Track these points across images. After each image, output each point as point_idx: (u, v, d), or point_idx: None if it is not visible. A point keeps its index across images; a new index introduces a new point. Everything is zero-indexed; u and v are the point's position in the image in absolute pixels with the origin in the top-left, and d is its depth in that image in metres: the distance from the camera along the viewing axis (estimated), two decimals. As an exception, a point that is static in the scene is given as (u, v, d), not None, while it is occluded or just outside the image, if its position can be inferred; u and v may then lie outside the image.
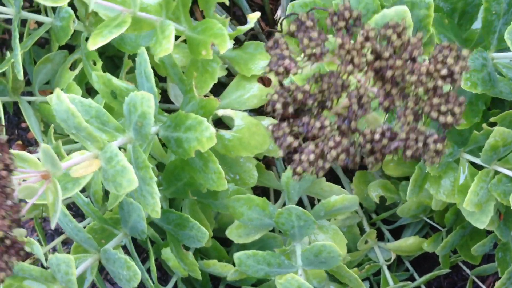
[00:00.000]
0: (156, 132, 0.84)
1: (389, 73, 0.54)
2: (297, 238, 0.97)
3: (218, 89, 1.02)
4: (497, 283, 1.07)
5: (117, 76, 1.05)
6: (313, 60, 0.56)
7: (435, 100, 0.55)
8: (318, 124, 0.55)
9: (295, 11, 0.84)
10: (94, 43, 0.80)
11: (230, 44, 0.80)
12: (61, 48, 1.08)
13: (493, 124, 0.91)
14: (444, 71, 0.54)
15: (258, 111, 1.11)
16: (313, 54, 0.56)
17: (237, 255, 0.90)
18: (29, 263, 0.93)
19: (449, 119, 0.56)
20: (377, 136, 0.56)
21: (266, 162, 1.37)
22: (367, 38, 0.54)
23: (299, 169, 0.56)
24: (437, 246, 1.17)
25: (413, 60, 0.55)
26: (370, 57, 0.55)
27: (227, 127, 0.97)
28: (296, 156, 0.56)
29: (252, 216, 0.97)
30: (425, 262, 1.40)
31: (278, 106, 0.56)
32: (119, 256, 0.79)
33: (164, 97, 1.18)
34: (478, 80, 0.82)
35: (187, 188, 0.94)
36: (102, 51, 1.21)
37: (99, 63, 0.96)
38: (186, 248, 1.05)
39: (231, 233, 1.03)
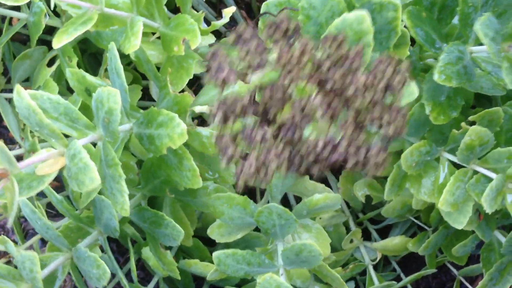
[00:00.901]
0: (130, 129, 0.83)
1: (329, 85, 0.54)
2: (278, 237, 0.96)
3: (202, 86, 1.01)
4: (479, 284, 1.06)
5: (98, 73, 1.05)
6: (252, 71, 0.55)
7: (376, 112, 0.55)
8: (259, 136, 0.55)
9: (269, 10, 0.83)
10: (59, 41, 0.79)
11: (201, 39, 0.79)
12: (41, 44, 1.08)
13: (473, 123, 0.89)
14: (382, 84, 0.54)
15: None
16: (250, 66, 0.55)
17: (216, 254, 0.89)
18: (3, 262, 0.92)
19: (391, 130, 0.55)
20: (319, 147, 0.55)
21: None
22: (304, 51, 0.54)
23: (241, 182, 0.56)
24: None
25: (355, 71, 0.54)
26: (309, 69, 0.54)
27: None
28: (238, 168, 0.56)
29: (233, 215, 0.96)
30: (413, 262, 1.39)
31: (218, 117, 0.55)
32: (89, 254, 0.78)
33: (149, 95, 1.18)
34: (453, 74, 0.80)
35: (164, 186, 0.93)
36: (85, 48, 1.21)
37: (75, 59, 0.95)
38: (166, 248, 1.04)
39: (213, 232, 1.02)
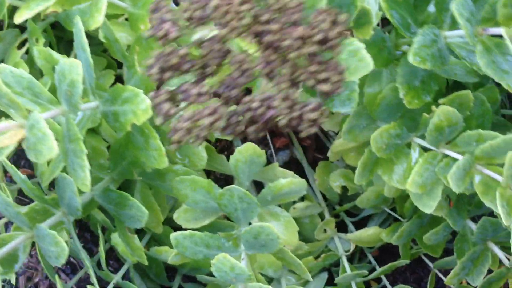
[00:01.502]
0: (97, 107, 0.82)
1: (267, 38, 0.53)
2: (241, 222, 0.94)
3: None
4: (451, 273, 1.05)
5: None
6: (195, 23, 0.54)
7: (313, 67, 0.54)
8: (195, 91, 0.54)
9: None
10: (20, 16, 0.78)
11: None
12: (14, 27, 1.07)
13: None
14: (318, 37, 0.53)
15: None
16: (191, 18, 0.54)
17: (173, 235, 0.88)
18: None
19: (327, 87, 0.54)
20: (255, 105, 0.54)
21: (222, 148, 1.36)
22: (245, 1, 0.53)
23: (175, 137, 0.54)
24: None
25: (294, 24, 0.53)
26: (248, 20, 0.53)
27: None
28: (172, 124, 0.54)
29: (197, 198, 0.95)
30: (391, 256, 1.38)
31: (154, 70, 0.54)
32: (49, 232, 0.77)
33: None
34: (427, 56, 0.80)
35: (131, 167, 0.92)
36: (61, 36, 1.20)
37: (41, 41, 0.94)
38: (135, 232, 1.03)
39: (179, 217, 1.01)
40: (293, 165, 1.41)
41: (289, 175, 1.09)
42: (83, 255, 0.87)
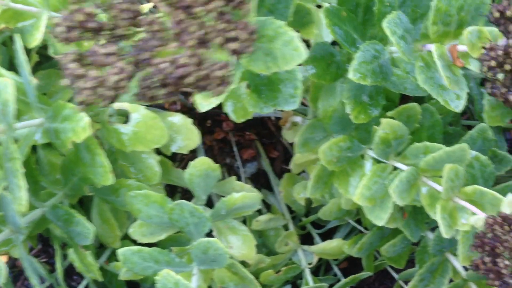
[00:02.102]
0: (41, 124, 0.82)
1: None
2: (195, 236, 0.94)
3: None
4: (409, 285, 1.05)
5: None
6: None
7: (221, 25, 0.53)
8: (103, 51, 0.53)
9: None
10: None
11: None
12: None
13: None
14: None
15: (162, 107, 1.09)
16: None
17: (121, 251, 0.87)
18: None
19: (236, 45, 0.53)
20: (164, 65, 0.53)
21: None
22: None
23: (80, 98, 0.53)
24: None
25: None
26: None
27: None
28: (78, 84, 0.53)
29: (151, 213, 0.95)
30: (358, 269, 1.37)
31: (61, 29, 0.53)
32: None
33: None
34: (367, 72, 0.80)
35: (82, 183, 0.92)
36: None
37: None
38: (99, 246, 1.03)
39: (134, 232, 1.00)
40: (261, 177, 1.41)
41: (247, 188, 1.08)
42: (29, 272, 0.86)
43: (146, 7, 0.60)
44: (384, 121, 0.82)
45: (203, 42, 0.55)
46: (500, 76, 0.59)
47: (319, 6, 0.95)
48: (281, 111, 1.19)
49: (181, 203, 0.89)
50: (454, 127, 1.07)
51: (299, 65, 0.86)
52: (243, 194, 0.96)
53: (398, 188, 0.79)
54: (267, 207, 1.36)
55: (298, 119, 1.14)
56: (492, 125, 0.92)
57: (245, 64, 0.71)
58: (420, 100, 1.04)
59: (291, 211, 1.33)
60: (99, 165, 0.83)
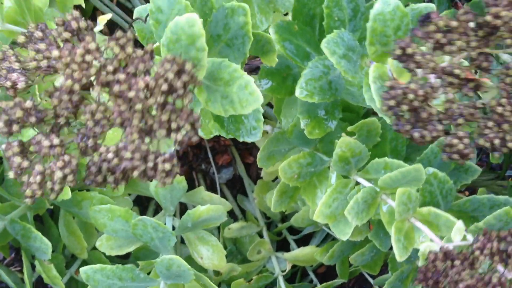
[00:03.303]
0: None
1: (116, 88, 0.52)
2: (161, 251, 0.94)
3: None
4: (379, 295, 1.04)
5: None
6: (44, 73, 0.54)
7: (164, 117, 0.53)
8: (47, 143, 0.53)
9: (140, 15, 0.81)
10: None
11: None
12: None
13: (353, 134, 0.88)
14: (164, 87, 0.52)
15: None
16: (39, 67, 0.53)
17: (83, 270, 0.87)
18: None
19: (180, 136, 0.53)
20: (110, 156, 0.53)
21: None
22: (88, 51, 0.52)
23: (28, 192, 0.53)
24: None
25: (145, 73, 0.53)
26: (94, 71, 0.52)
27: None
28: (24, 178, 0.54)
29: (116, 227, 0.94)
30: (336, 275, 1.37)
31: (1, 124, 0.53)
32: None
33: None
34: (315, 89, 0.79)
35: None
36: None
37: None
38: (58, 258, 1.03)
39: (102, 245, 1.00)
40: (237, 183, 1.41)
41: (215, 198, 1.08)
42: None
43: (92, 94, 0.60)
44: (341, 140, 0.81)
45: (147, 133, 0.55)
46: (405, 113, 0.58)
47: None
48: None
49: (143, 218, 0.89)
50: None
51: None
52: (209, 207, 0.95)
53: (354, 209, 0.79)
54: (243, 212, 1.35)
55: (268, 128, 1.13)
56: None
57: (204, 105, 0.71)
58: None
59: (267, 217, 1.33)
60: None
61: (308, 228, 1.31)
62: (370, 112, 1.00)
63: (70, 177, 0.54)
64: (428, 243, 0.64)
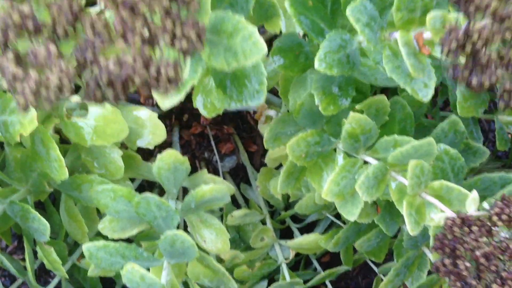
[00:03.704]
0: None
1: None
2: (164, 231, 0.92)
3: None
4: (384, 280, 1.02)
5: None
6: None
7: (168, 24, 0.50)
8: (44, 52, 0.50)
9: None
10: None
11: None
12: None
13: (362, 113, 0.86)
14: None
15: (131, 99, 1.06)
16: None
17: (86, 247, 0.85)
18: None
19: (185, 44, 0.51)
20: (110, 65, 0.51)
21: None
22: None
23: (22, 101, 0.50)
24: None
25: None
26: None
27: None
28: (17, 86, 0.51)
29: (118, 207, 0.92)
30: (341, 263, 1.35)
31: None
32: None
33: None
34: (333, 62, 0.77)
35: (41, 179, 0.89)
36: None
37: None
38: (59, 244, 1.01)
39: (104, 228, 0.97)
40: (240, 171, 1.39)
41: (218, 181, 1.06)
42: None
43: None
44: (350, 115, 0.79)
45: (149, 41, 0.53)
46: (462, 59, 0.56)
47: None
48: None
49: (146, 196, 0.87)
50: (431, 119, 1.04)
51: (267, 55, 0.84)
52: (212, 187, 0.93)
53: (365, 184, 0.77)
54: (247, 201, 1.34)
55: (272, 112, 1.11)
56: (465, 116, 0.90)
57: (206, 60, 0.69)
58: (395, 92, 1.02)
59: (271, 205, 1.31)
60: (53, 159, 0.80)
61: (311, 217, 1.29)
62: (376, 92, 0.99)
63: (67, 85, 0.51)
64: (441, 213, 0.62)
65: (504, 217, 0.55)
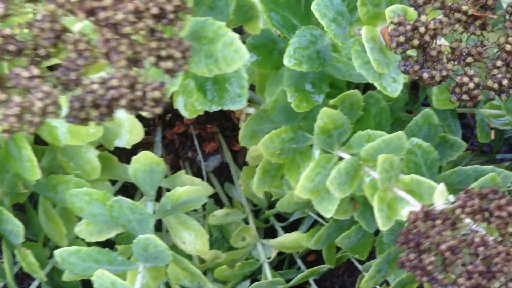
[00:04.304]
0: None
1: (102, 15, 0.49)
2: (140, 234, 0.91)
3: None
4: (366, 277, 1.02)
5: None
6: (24, 0, 0.50)
7: (153, 44, 0.50)
8: (26, 74, 0.50)
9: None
10: None
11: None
12: None
13: (336, 108, 0.86)
14: (154, 10, 0.49)
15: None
16: None
17: (57, 252, 0.84)
18: None
19: (171, 64, 0.51)
20: (95, 86, 0.50)
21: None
22: None
23: (5, 126, 0.50)
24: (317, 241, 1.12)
25: None
26: None
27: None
28: (1, 110, 0.50)
29: (94, 211, 0.91)
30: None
31: None
32: None
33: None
34: (303, 58, 0.77)
35: (16, 180, 0.88)
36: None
37: None
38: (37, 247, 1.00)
39: (81, 231, 0.97)
40: (224, 170, 1.38)
41: (197, 182, 1.05)
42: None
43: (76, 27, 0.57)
44: (322, 111, 0.79)
45: (134, 61, 0.52)
46: (413, 52, 0.56)
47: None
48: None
49: (119, 199, 0.86)
50: (410, 113, 1.04)
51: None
52: (187, 188, 0.93)
53: (336, 180, 0.76)
54: (231, 200, 1.33)
55: (251, 110, 1.11)
56: (441, 108, 0.89)
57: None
58: (373, 87, 1.01)
59: (255, 204, 1.30)
60: (26, 159, 0.80)
61: (295, 215, 1.28)
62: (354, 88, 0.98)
63: (50, 108, 0.50)
64: (410, 207, 0.62)
65: (467, 209, 0.55)
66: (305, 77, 0.85)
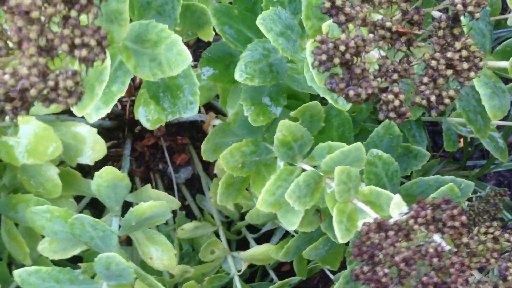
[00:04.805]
0: None
1: (12, 2, 0.47)
2: (104, 251, 0.89)
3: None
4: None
5: None
6: None
7: (66, 31, 0.49)
8: None
9: None
10: None
11: None
12: None
13: (297, 120, 0.85)
14: None
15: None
16: None
17: (17, 273, 0.82)
18: None
19: (85, 52, 0.49)
20: (6, 77, 0.48)
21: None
22: None
23: None
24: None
25: None
26: None
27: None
28: None
29: (55, 228, 0.90)
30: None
31: None
32: None
33: None
34: (255, 72, 0.76)
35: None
36: None
37: None
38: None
39: (44, 249, 0.95)
40: (196, 182, 1.37)
41: (163, 196, 1.04)
42: None
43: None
44: (281, 123, 0.78)
45: (47, 51, 0.51)
46: (339, 70, 0.55)
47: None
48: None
49: (80, 217, 0.84)
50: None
51: (194, 67, 0.82)
52: (151, 204, 0.91)
53: (295, 193, 0.75)
54: (202, 212, 1.32)
55: (217, 122, 1.10)
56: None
57: (132, 70, 0.67)
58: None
59: (227, 216, 1.29)
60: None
61: (267, 226, 1.28)
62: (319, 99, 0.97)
63: None
64: (365, 219, 0.61)
65: (420, 220, 0.54)
66: (261, 91, 0.84)
